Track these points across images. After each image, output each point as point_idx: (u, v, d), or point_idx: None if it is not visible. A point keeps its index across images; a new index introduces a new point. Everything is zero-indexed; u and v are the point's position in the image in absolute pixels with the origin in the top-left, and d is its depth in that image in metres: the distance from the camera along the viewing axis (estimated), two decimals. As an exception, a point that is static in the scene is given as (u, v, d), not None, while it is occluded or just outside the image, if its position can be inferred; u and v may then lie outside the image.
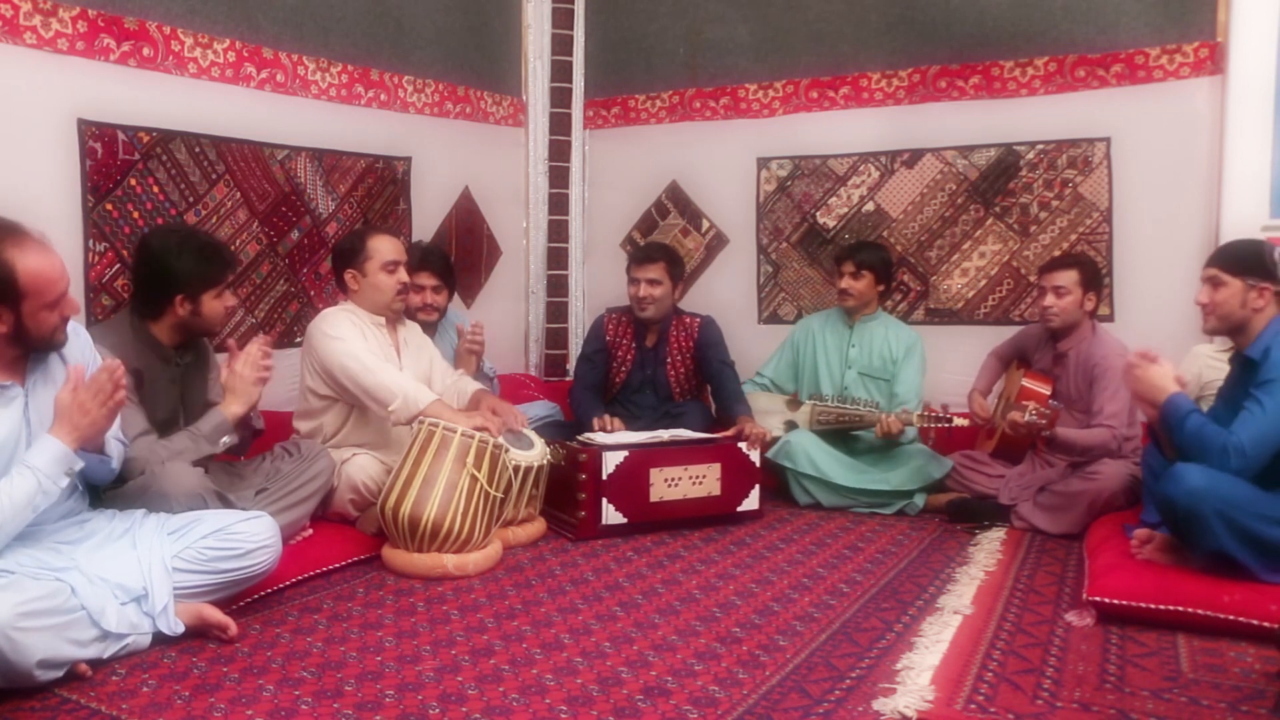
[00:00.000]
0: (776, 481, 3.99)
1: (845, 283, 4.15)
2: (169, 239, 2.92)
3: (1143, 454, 3.15)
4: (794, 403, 4.22)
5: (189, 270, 2.85)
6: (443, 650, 2.42)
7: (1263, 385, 2.61)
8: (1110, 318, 4.14)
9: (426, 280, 3.88)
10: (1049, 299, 3.70)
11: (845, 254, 4.20)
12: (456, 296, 4.34)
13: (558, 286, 5.27)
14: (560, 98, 5.16)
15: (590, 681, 2.23)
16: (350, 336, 3.31)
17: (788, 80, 4.78)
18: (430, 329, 3.90)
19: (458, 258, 4.65)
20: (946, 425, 3.80)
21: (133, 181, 3.35)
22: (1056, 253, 4.18)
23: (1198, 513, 2.54)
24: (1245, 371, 2.73)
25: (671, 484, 3.57)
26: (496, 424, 3.28)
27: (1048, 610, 2.71)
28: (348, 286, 3.46)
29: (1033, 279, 4.18)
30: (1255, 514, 2.53)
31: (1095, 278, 3.75)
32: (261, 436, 3.21)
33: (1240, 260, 2.78)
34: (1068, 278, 3.68)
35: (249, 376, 2.93)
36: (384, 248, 3.42)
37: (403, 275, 3.44)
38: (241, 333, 3.70)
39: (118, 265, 3.29)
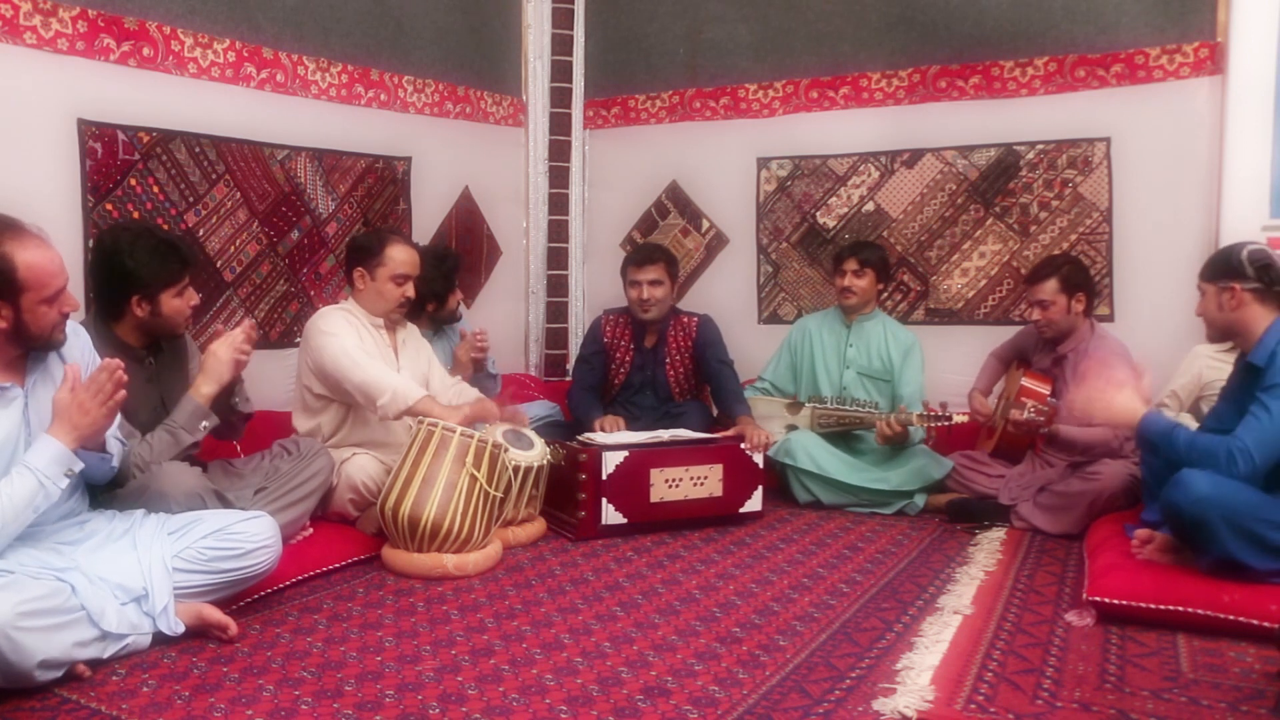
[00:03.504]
0: (776, 480, 3.99)
1: (848, 280, 4.15)
2: (122, 237, 2.80)
3: (1141, 452, 3.15)
4: (794, 406, 4.22)
5: (143, 269, 2.74)
6: (443, 650, 2.42)
7: (1269, 390, 2.59)
8: (1110, 318, 4.14)
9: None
10: (1035, 313, 3.72)
11: (847, 252, 4.21)
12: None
13: (558, 286, 5.27)
14: (560, 98, 5.16)
15: (590, 681, 2.23)
16: (344, 333, 3.31)
17: (788, 80, 4.78)
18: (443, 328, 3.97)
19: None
20: (947, 424, 3.78)
21: (133, 181, 3.35)
22: (1056, 252, 4.18)
23: (1205, 520, 2.53)
24: (1249, 376, 2.69)
25: (672, 485, 3.57)
26: (491, 408, 3.35)
27: (1048, 610, 2.71)
28: (354, 283, 3.46)
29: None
30: (1262, 519, 2.51)
31: (1078, 279, 3.70)
32: (252, 420, 3.14)
33: (1211, 265, 2.84)
34: (1048, 290, 3.66)
35: (224, 356, 2.84)
36: (400, 258, 3.41)
37: (409, 290, 3.44)
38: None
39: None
